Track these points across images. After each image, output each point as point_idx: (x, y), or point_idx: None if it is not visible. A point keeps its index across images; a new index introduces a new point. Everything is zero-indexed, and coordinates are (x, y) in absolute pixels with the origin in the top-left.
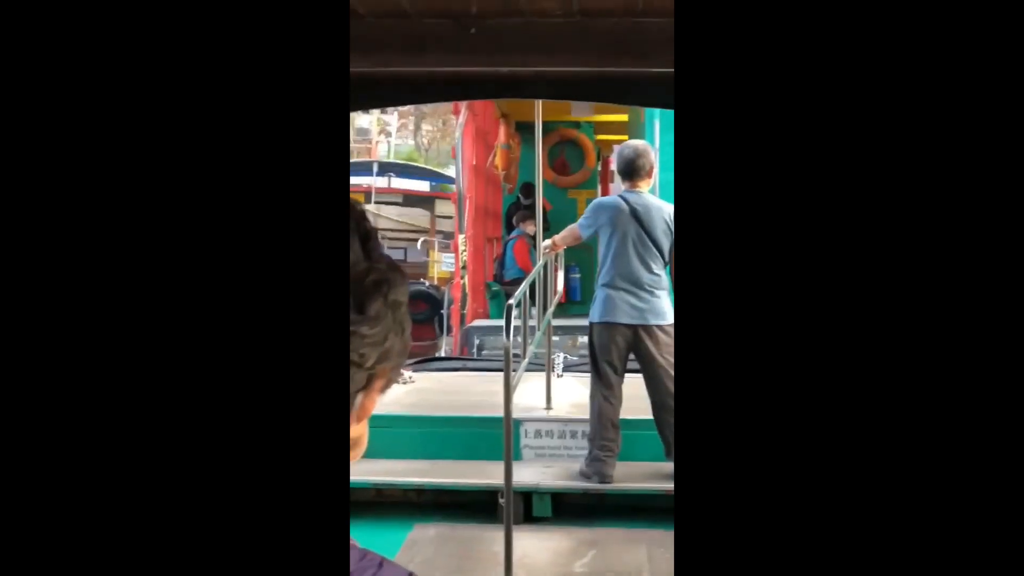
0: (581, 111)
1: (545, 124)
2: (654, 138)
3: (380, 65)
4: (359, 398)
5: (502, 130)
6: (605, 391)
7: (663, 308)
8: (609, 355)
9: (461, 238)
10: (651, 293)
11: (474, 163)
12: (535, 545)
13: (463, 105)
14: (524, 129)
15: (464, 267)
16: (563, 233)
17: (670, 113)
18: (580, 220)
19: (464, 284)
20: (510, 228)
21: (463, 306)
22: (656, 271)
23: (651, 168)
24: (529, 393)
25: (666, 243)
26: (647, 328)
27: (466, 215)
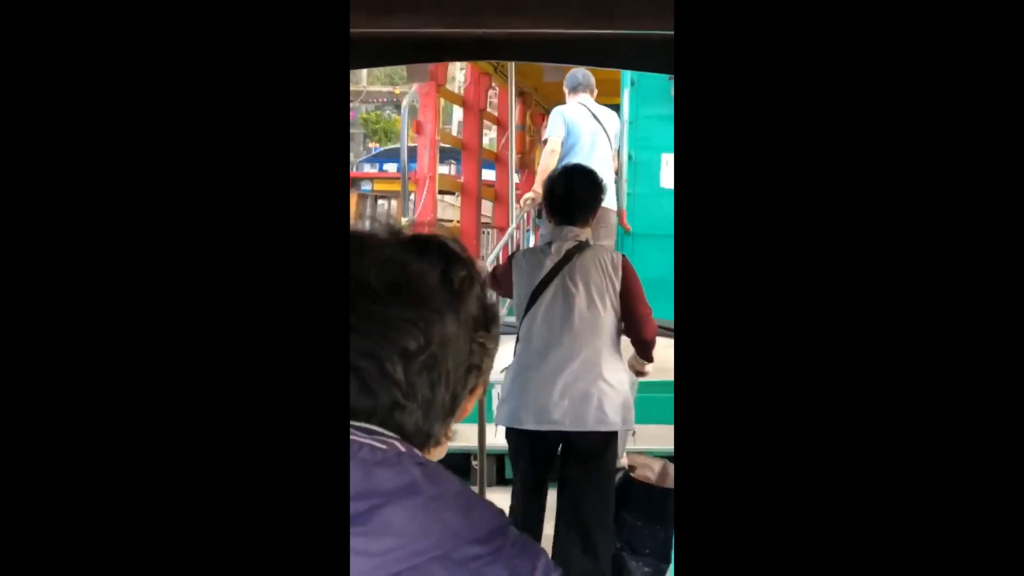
0: (553, 75)
1: None
2: (623, 110)
3: (356, 26)
4: (466, 403)
5: (516, 110)
6: None
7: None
8: None
9: (404, 222)
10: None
11: (437, 136)
12: (506, 507)
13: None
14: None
15: None
16: (540, 166)
17: (641, 85)
18: (545, 134)
19: None
20: None
21: None
22: (609, 166)
23: (594, 86)
24: (503, 356)
25: (614, 144)
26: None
27: (421, 198)
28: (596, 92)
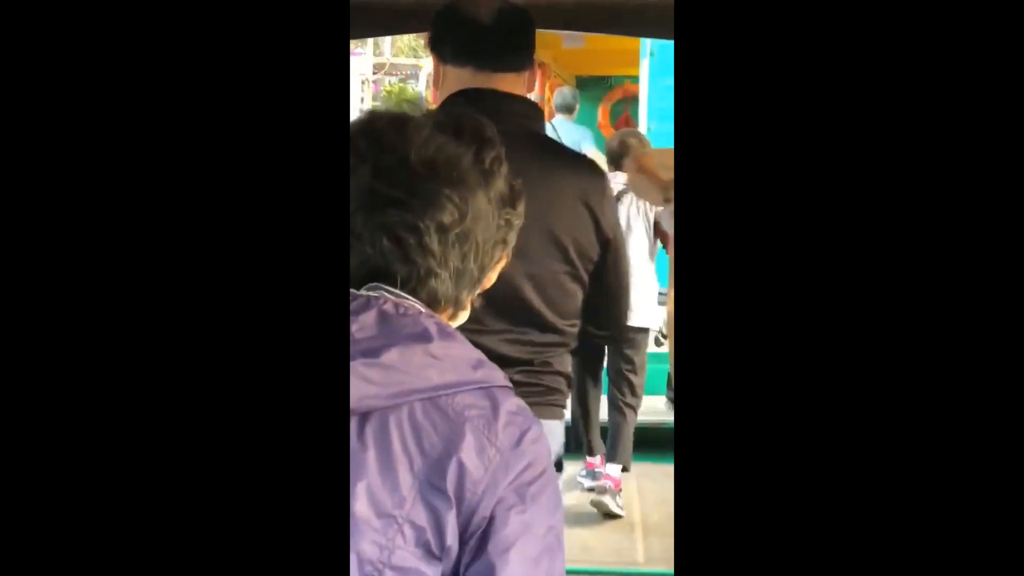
0: (572, 43)
1: (612, 79)
2: (641, 82)
3: None
4: (491, 273)
5: (536, 82)
6: None
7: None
8: None
9: None
10: None
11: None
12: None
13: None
14: (586, 85)
15: None
16: None
17: (660, 56)
18: None
19: None
20: None
21: None
22: None
23: (574, 109)
24: None
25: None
26: None
27: None
28: (575, 113)
